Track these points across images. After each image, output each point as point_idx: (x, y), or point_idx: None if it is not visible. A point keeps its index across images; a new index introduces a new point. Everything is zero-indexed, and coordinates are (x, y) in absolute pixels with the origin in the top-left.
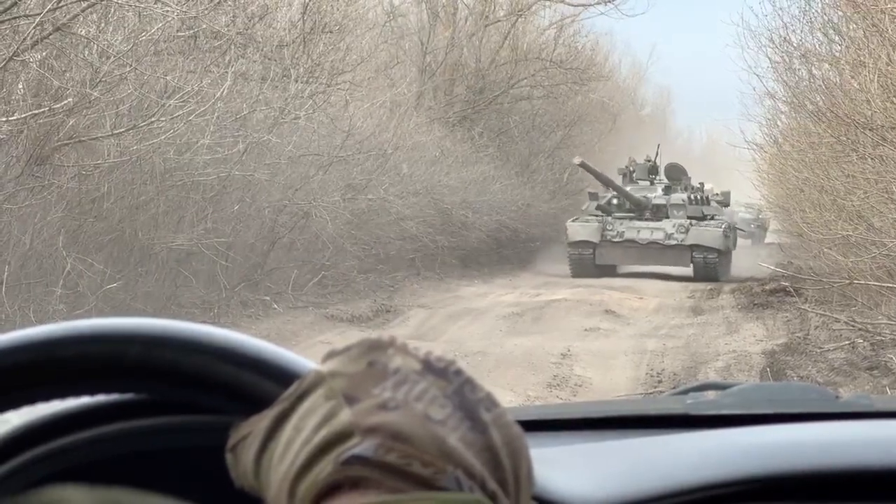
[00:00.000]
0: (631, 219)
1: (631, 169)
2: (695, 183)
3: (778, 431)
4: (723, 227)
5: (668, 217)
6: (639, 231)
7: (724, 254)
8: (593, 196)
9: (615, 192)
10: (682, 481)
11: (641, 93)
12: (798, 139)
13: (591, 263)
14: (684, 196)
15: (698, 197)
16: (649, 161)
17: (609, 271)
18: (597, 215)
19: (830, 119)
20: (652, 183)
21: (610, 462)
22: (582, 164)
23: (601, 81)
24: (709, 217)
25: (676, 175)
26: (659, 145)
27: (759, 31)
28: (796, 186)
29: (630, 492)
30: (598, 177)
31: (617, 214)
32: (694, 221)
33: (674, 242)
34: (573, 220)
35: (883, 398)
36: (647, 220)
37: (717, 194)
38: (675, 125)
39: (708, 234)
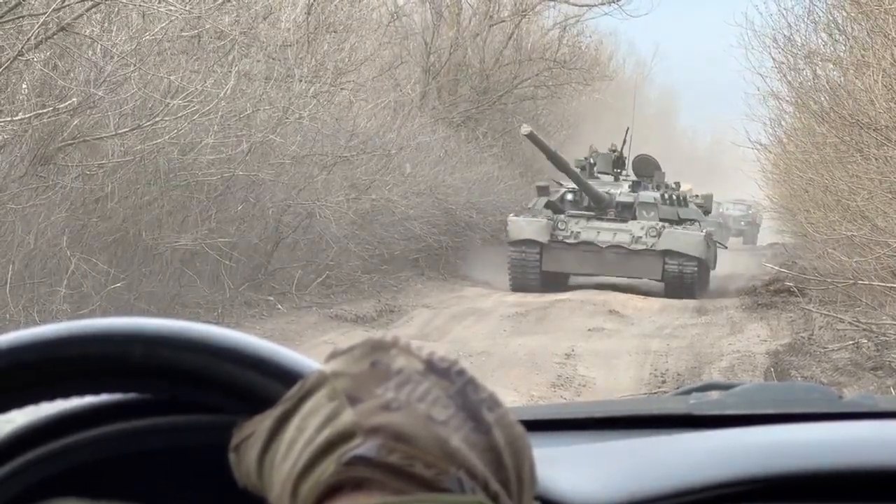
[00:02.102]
0: (589, 218)
1: (591, 160)
2: (669, 181)
3: (781, 431)
4: (704, 231)
5: (635, 218)
6: (598, 232)
7: (704, 264)
8: (542, 190)
9: (571, 186)
10: (686, 481)
11: (646, 93)
12: (802, 139)
13: (536, 269)
14: (656, 194)
15: (673, 196)
16: (615, 151)
17: (557, 282)
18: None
19: (835, 119)
20: (617, 178)
21: (613, 462)
22: (530, 136)
23: (605, 81)
24: (686, 221)
25: (647, 170)
26: (628, 130)
27: (764, 32)
28: (801, 187)
29: (633, 492)
30: (550, 155)
31: (571, 212)
32: (667, 224)
33: (641, 247)
34: (516, 214)
35: (887, 398)
36: (609, 220)
37: (696, 197)
38: (680, 125)
39: (685, 238)
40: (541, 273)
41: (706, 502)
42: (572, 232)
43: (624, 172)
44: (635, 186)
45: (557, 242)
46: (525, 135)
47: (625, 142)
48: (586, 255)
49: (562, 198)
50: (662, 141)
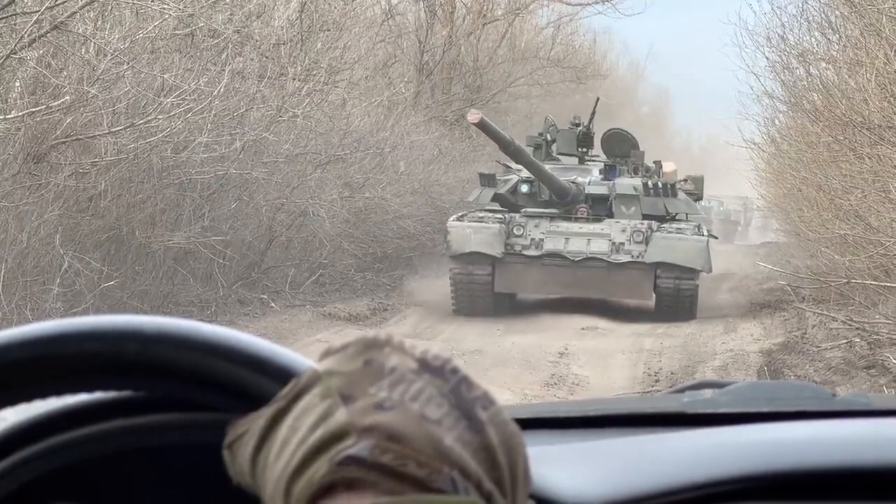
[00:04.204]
0: (552, 217)
1: (548, 137)
2: (648, 161)
3: (775, 430)
4: (704, 233)
5: (612, 216)
6: (567, 239)
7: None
8: (487, 179)
9: (526, 174)
10: (679, 479)
11: (640, 92)
12: (796, 138)
13: (486, 291)
14: (637, 182)
15: (658, 184)
16: (578, 125)
17: (510, 304)
18: (496, 211)
19: (828, 118)
20: (582, 160)
21: (607, 460)
22: (480, 124)
23: (599, 80)
24: (675, 216)
25: (621, 149)
26: (598, 100)
27: (757, 31)
28: (794, 186)
29: (627, 490)
30: (506, 146)
31: (529, 210)
32: (656, 223)
33: (626, 258)
34: (458, 218)
35: (880, 397)
36: (579, 219)
37: (684, 181)
38: (674, 124)
39: (682, 245)
40: (493, 295)
41: (700, 500)
42: (533, 240)
43: (591, 152)
44: (608, 172)
45: (514, 255)
46: (474, 123)
47: (592, 114)
48: (553, 270)
49: (514, 188)
50: (657, 139)
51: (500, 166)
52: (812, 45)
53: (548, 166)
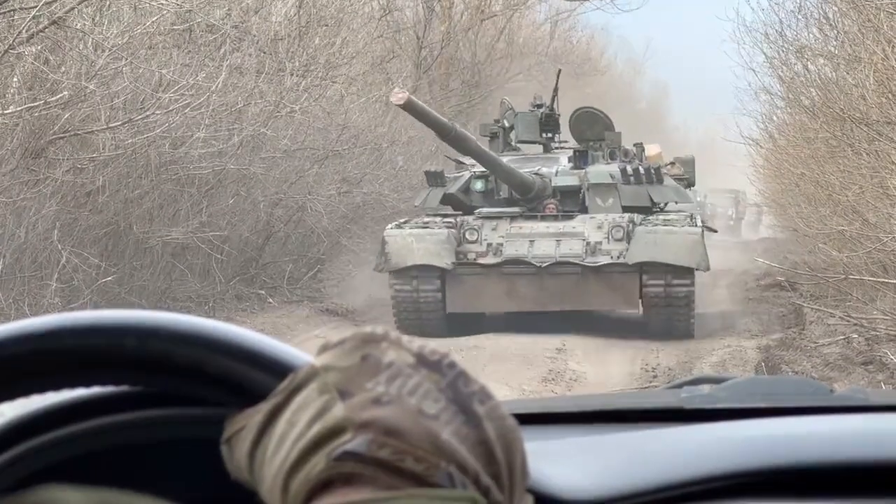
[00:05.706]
0: (513, 217)
1: (506, 123)
2: (627, 144)
3: (772, 425)
4: (697, 223)
5: (585, 210)
6: (532, 242)
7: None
8: (435, 178)
9: (481, 170)
10: (677, 475)
11: (638, 88)
12: (794, 134)
13: (436, 312)
14: (614, 169)
15: (640, 169)
16: (540, 106)
17: (468, 325)
18: (445, 214)
19: (826, 114)
20: (548, 148)
21: (604, 455)
22: (407, 105)
23: (597, 76)
24: (662, 207)
25: (593, 131)
26: (560, 71)
27: (755, 27)
28: (792, 181)
29: (624, 485)
30: (445, 133)
31: (485, 211)
32: (638, 216)
33: (604, 260)
34: (398, 225)
35: (878, 392)
36: (545, 217)
37: (671, 164)
38: (673, 120)
39: (671, 238)
40: (445, 316)
41: (698, 495)
42: (490, 245)
43: (558, 137)
44: (579, 159)
45: (467, 265)
46: (399, 105)
47: (556, 92)
48: (516, 281)
49: (467, 187)
50: (654, 135)
51: (455, 162)
52: (810, 41)
53: (507, 158)
